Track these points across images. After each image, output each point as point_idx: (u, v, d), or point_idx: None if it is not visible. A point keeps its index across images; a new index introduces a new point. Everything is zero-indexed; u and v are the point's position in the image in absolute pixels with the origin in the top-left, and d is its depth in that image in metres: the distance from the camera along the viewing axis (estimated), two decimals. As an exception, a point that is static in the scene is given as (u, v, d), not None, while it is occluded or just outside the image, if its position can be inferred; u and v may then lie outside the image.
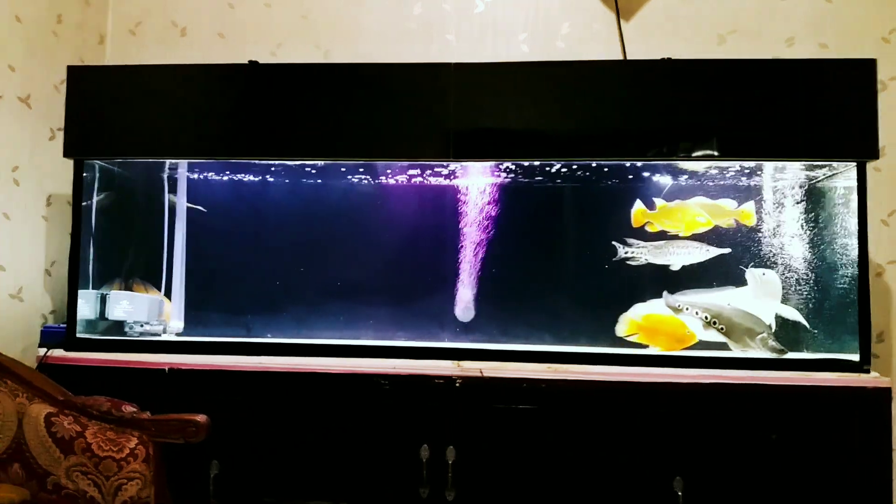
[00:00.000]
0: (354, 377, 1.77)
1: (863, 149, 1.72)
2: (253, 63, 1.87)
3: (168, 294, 2.10)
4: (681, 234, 1.95)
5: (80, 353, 1.85)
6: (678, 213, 1.95)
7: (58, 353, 1.85)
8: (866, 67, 1.71)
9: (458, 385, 1.75)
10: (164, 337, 2.03)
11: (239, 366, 1.80)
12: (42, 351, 1.85)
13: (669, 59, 1.78)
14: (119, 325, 2.02)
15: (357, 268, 2.16)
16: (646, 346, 1.92)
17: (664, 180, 2.04)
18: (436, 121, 1.80)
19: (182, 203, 2.11)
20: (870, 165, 1.80)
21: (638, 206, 1.98)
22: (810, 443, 1.68)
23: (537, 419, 1.72)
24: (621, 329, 1.95)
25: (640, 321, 1.93)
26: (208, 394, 1.78)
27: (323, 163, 1.99)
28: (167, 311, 2.09)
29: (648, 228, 1.97)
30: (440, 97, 1.80)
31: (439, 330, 2.09)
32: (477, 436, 1.73)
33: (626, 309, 1.97)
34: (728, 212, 1.93)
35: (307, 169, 2.10)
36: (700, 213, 1.93)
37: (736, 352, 1.88)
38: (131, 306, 2.01)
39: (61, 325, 1.93)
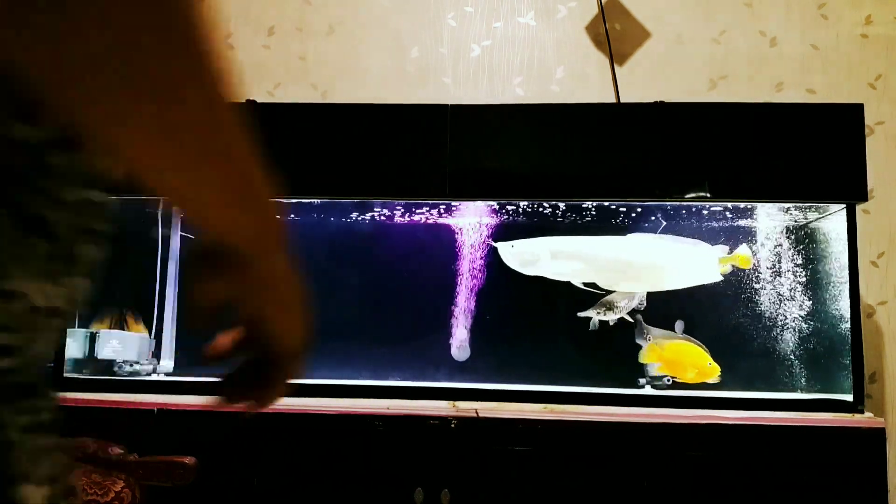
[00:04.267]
0: (347, 418, 1.74)
1: (852, 191, 1.75)
2: (250, 102, 1.88)
3: (159, 331, 2.08)
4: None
5: (67, 392, 1.81)
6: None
7: (44, 392, 1.80)
8: (854, 112, 1.76)
9: (453, 426, 1.72)
10: (154, 377, 1.99)
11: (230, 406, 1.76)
12: (27, 390, 1.80)
13: (662, 102, 1.82)
14: (108, 364, 1.98)
15: (351, 307, 2.14)
16: (664, 377, 1.91)
17: (656, 222, 2.06)
18: (432, 161, 1.82)
19: (175, 242, 2.10)
20: (859, 208, 1.83)
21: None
22: (806, 483, 1.66)
23: (534, 461, 1.70)
24: (643, 357, 1.93)
25: (663, 351, 1.91)
26: (198, 435, 1.74)
27: (319, 201, 2.00)
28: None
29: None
30: (437, 137, 1.82)
31: (434, 370, 2.07)
32: (473, 478, 1.70)
33: (625, 348, 1.97)
34: (725, 258, 1.93)
35: (302, 207, 2.10)
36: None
37: (734, 392, 1.88)
38: (121, 345, 1.98)
39: (48, 364, 1.89)
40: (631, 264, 1.92)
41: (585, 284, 1.91)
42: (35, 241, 0.36)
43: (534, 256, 1.92)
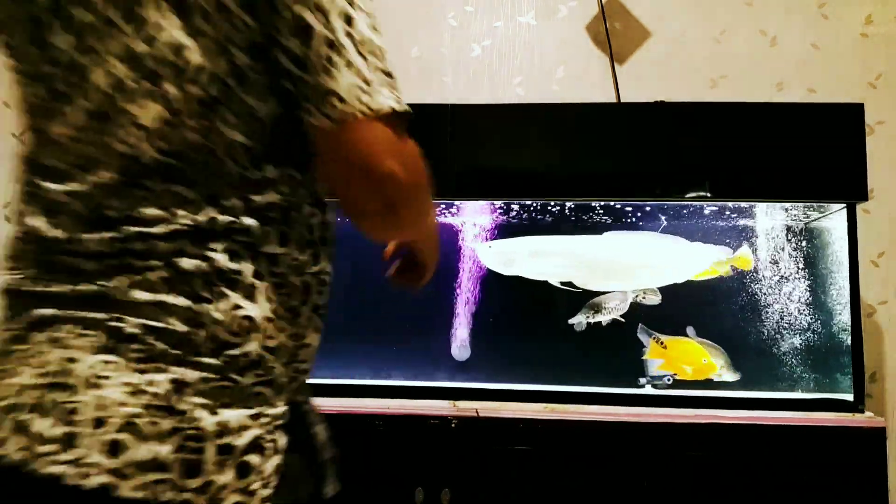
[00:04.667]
0: (347, 417, 1.74)
1: (852, 191, 1.75)
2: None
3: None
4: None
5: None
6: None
7: (44, 392, 1.80)
8: (854, 112, 1.75)
9: (453, 425, 1.72)
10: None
11: (230, 406, 1.76)
12: (28, 390, 1.80)
13: (662, 101, 1.82)
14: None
15: (351, 306, 2.14)
16: (665, 376, 1.92)
17: (657, 221, 2.06)
18: (433, 160, 1.81)
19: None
20: (859, 207, 1.83)
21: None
22: (807, 483, 1.66)
23: (534, 461, 1.70)
24: (649, 354, 1.94)
25: (665, 349, 1.91)
26: (198, 434, 1.74)
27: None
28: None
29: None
30: (439, 137, 1.82)
31: (434, 369, 2.07)
32: (473, 478, 1.70)
33: (626, 347, 1.97)
34: (728, 259, 1.94)
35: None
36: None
37: (734, 391, 1.88)
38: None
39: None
40: (607, 262, 1.92)
41: (563, 284, 1.92)
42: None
43: (511, 256, 1.92)
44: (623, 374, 1.97)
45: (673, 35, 2.31)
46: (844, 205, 1.78)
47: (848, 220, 1.77)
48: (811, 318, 1.95)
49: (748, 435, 1.68)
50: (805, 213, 1.95)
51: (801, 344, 1.97)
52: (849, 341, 1.76)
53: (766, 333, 2.00)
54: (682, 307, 1.98)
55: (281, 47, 0.65)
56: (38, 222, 0.66)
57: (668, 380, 1.93)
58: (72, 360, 0.61)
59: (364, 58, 0.68)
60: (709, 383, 1.94)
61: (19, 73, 0.71)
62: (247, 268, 0.67)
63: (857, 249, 1.77)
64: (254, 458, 0.66)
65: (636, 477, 1.69)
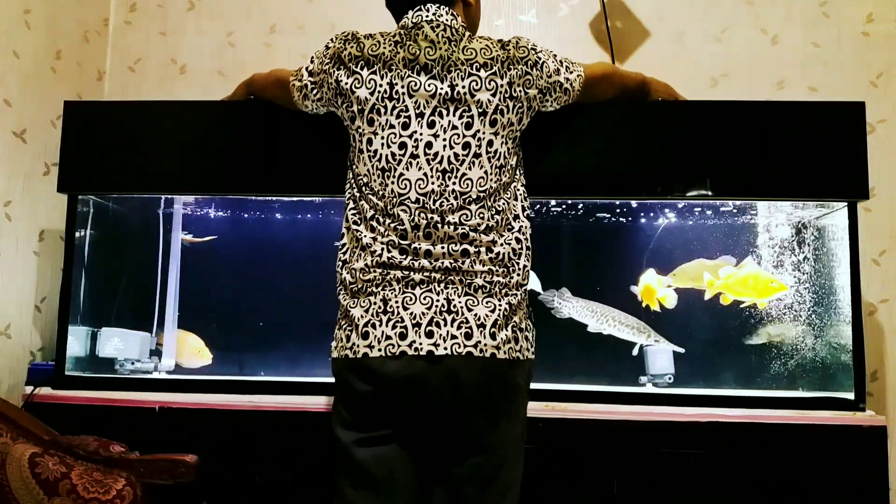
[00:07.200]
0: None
1: (853, 189, 1.74)
2: (251, 100, 1.88)
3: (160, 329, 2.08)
4: (758, 304, 1.93)
5: (69, 391, 1.81)
6: (748, 281, 1.92)
7: (45, 391, 1.80)
8: (856, 110, 1.75)
9: (454, 424, 1.72)
10: (155, 375, 1.99)
11: (231, 404, 1.77)
12: (29, 389, 1.81)
13: (663, 100, 1.81)
14: (109, 363, 1.98)
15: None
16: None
17: (657, 220, 2.06)
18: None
19: (176, 240, 2.10)
20: (860, 206, 1.82)
21: (707, 277, 1.95)
22: (808, 481, 1.67)
23: (535, 459, 1.69)
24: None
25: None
26: (199, 433, 1.74)
27: (320, 199, 2.00)
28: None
29: (723, 301, 1.94)
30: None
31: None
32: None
33: (626, 346, 1.97)
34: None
35: (305, 205, 2.10)
36: (773, 278, 1.91)
37: (734, 391, 1.88)
38: (122, 343, 1.98)
39: (49, 363, 1.89)
40: None
41: None
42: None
43: None
44: (624, 372, 1.97)
45: (674, 34, 2.31)
46: (845, 203, 1.78)
47: (849, 219, 1.77)
48: (812, 317, 1.95)
49: (749, 433, 1.68)
50: (806, 212, 1.95)
51: (801, 342, 1.97)
52: (850, 340, 1.76)
53: (766, 332, 2.00)
54: (681, 303, 1.98)
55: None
56: None
57: (670, 378, 1.93)
58: (449, 300, 1.30)
59: None
60: (708, 383, 1.94)
61: None
62: None
63: (858, 248, 1.77)
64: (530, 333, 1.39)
65: (637, 475, 1.69)
